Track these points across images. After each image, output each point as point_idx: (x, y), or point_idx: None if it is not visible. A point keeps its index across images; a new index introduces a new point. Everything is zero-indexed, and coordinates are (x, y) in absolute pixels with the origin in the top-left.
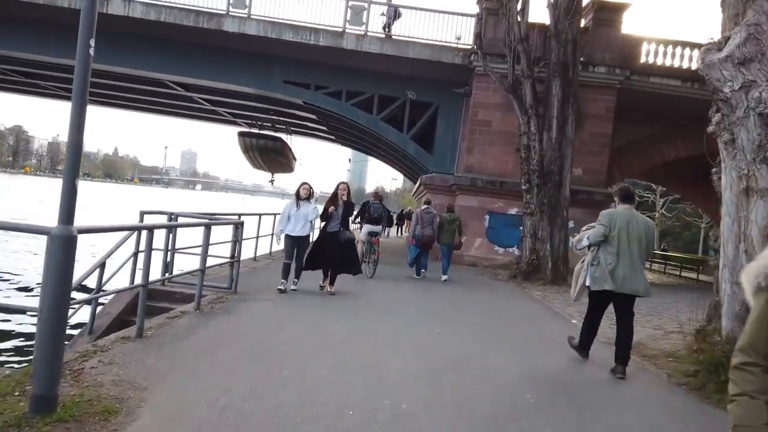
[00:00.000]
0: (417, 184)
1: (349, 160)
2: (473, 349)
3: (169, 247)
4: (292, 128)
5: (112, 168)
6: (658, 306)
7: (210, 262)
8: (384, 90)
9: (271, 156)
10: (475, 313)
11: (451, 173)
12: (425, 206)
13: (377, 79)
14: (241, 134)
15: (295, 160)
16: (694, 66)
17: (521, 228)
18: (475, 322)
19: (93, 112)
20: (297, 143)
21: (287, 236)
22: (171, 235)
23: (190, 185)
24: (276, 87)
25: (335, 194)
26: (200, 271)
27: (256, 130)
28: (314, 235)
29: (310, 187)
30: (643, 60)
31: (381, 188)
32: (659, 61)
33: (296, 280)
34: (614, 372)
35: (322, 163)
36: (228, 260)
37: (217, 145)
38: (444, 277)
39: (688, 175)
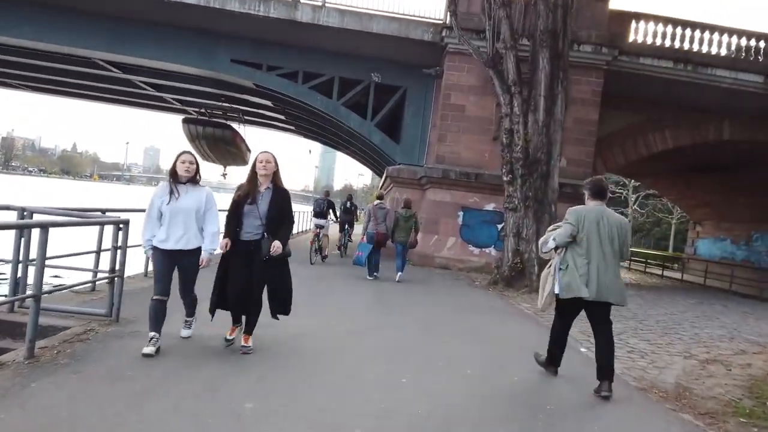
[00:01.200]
0: (383, 178)
1: (310, 151)
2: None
3: (21, 258)
4: (246, 117)
5: (69, 164)
6: (665, 319)
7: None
8: (345, 72)
9: (221, 146)
10: (456, 345)
11: (421, 165)
12: (378, 201)
13: (338, 60)
14: (185, 121)
15: (249, 151)
16: (687, 46)
17: (499, 226)
18: (459, 360)
19: (50, 105)
20: (254, 135)
21: (157, 251)
22: (23, 239)
23: (154, 182)
24: (223, 67)
25: (252, 174)
26: (32, 297)
27: (204, 117)
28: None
29: (195, 159)
30: (631, 39)
31: (349, 186)
32: (649, 41)
33: (189, 321)
34: (599, 391)
35: (285, 157)
36: (106, 276)
37: (182, 140)
38: (399, 275)
39: (669, 168)
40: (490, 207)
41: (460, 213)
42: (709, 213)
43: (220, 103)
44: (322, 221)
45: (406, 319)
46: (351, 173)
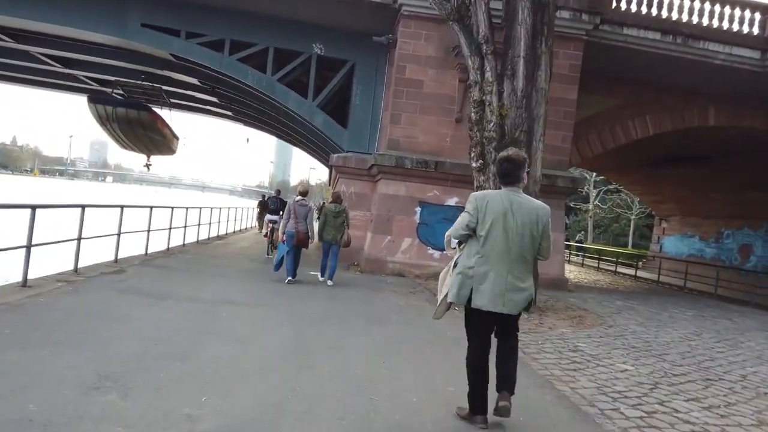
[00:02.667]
0: (330, 169)
1: (247, 140)
2: None
3: None
4: (173, 100)
5: (8, 158)
6: (687, 350)
7: None
8: (282, 41)
9: (138, 131)
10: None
11: (371, 153)
12: (299, 198)
13: (273, 27)
14: (92, 100)
15: (176, 138)
16: (676, 16)
17: None
18: None
19: None
20: (185, 121)
21: None
22: None
23: (100, 177)
24: (133, 33)
25: None
26: None
27: (115, 95)
28: None
29: None
30: (614, 5)
31: (306, 181)
32: (634, 8)
33: None
34: (498, 408)
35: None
36: None
37: (91, 126)
38: (329, 282)
39: (634, 161)
40: (452, 201)
41: (418, 209)
42: (675, 208)
43: (140, 82)
44: (275, 217)
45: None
46: (307, 167)
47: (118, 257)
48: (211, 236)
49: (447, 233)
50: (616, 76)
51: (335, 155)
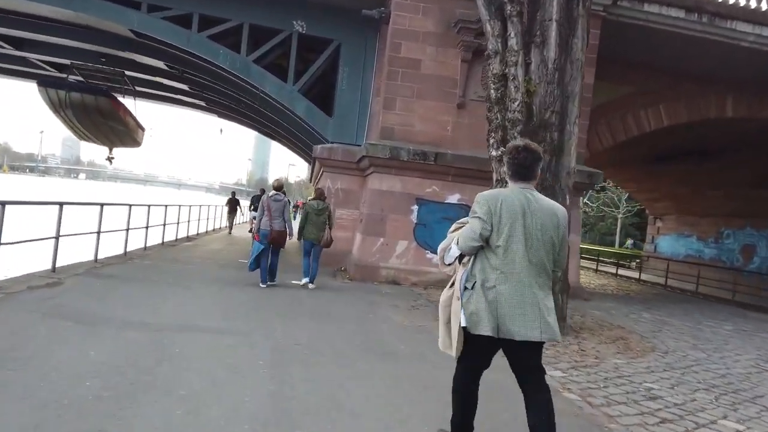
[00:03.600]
0: (312, 164)
1: (221, 130)
2: None
3: None
4: (138, 88)
5: None
6: (755, 377)
7: None
8: (259, 17)
9: (97, 119)
10: None
11: (360, 144)
12: (273, 192)
13: (248, 1)
14: (43, 84)
15: (142, 129)
16: None
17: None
18: None
19: None
20: (157, 113)
21: None
22: None
23: (72, 174)
24: (87, 5)
25: None
26: None
27: (69, 79)
28: None
29: None
30: None
31: (285, 179)
32: None
33: None
34: None
35: (205, 144)
36: None
37: (44, 114)
38: (310, 285)
39: (631, 157)
40: (453, 199)
41: (415, 207)
42: (671, 206)
43: (99, 66)
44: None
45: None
46: (286, 164)
47: (58, 265)
48: (179, 237)
49: (441, 245)
50: (629, 60)
51: (319, 146)
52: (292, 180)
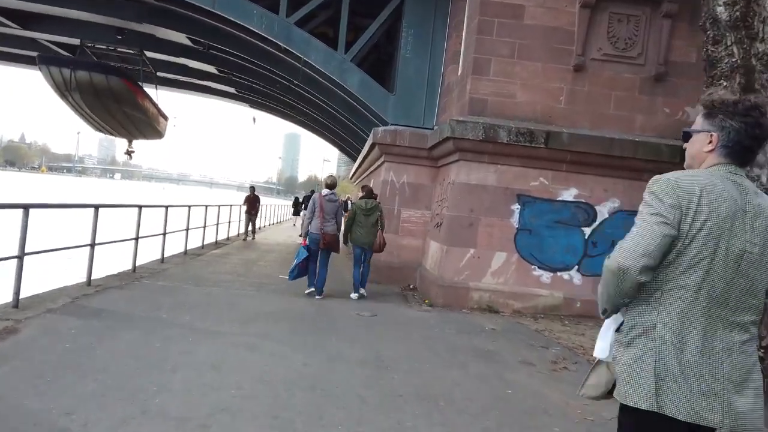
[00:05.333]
0: (364, 151)
1: (254, 119)
2: None
3: None
4: (160, 73)
5: (15, 155)
6: None
7: None
8: None
9: (108, 104)
10: None
11: (430, 127)
12: (327, 192)
13: None
14: (44, 61)
15: (165, 119)
16: None
17: (587, 230)
18: None
19: None
20: (183, 105)
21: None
22: None
23: (108, 174)
24: None
25: None
26: None
27: (76, 57)
28: None
29: None
30: None
31: (314, 177)
32: None
33: None
34: None
35: (236, 140)
36: None
37: (51, 100)
38: (360, 294)
39: None
40: (569, 195)
41: (516, 207)
42: None
43: (116, 46)
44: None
45: None
46: (316, 162)
47: (34, 292)
48: (206, 243)
49: (607, 265)
50: None
51: (381, 128)
52: (321, 177)
